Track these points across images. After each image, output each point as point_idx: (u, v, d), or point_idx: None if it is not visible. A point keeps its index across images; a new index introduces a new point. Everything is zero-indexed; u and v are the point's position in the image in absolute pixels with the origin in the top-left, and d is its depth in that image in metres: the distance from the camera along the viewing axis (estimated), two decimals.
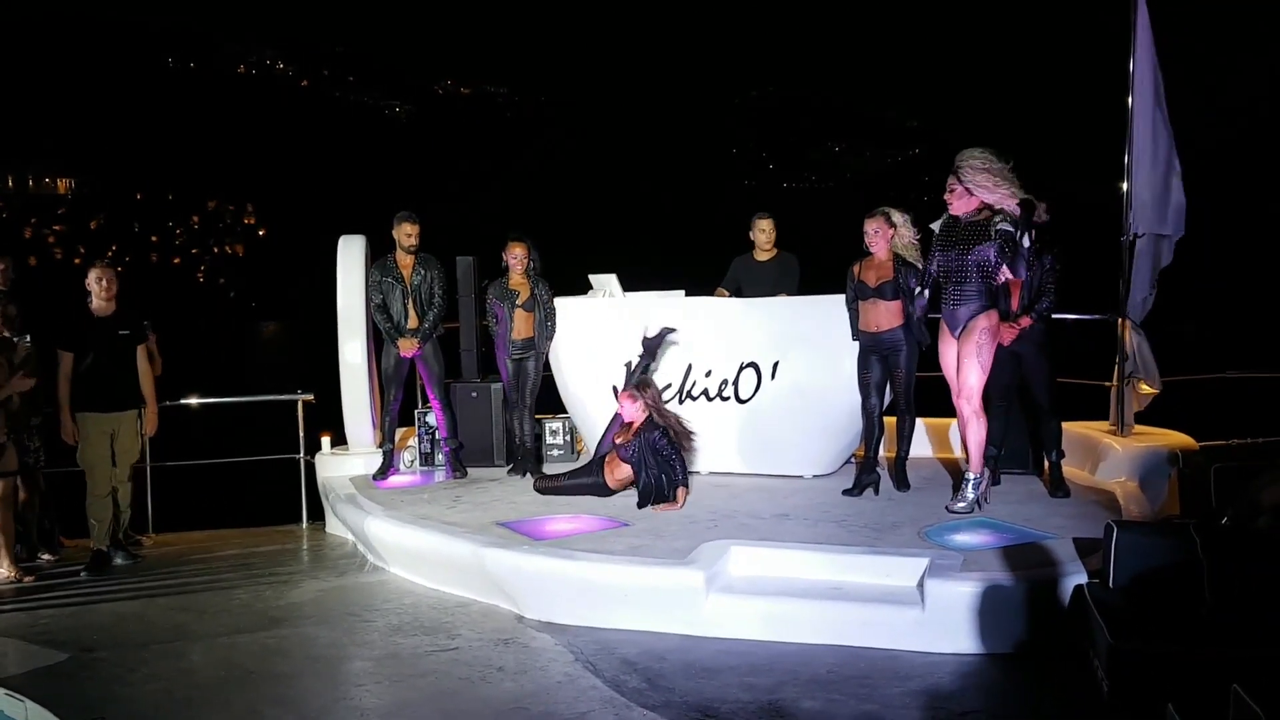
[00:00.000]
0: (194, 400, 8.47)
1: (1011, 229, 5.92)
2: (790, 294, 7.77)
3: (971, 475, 6.34)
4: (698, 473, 7.52)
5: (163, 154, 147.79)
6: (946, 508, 6.36)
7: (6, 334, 6.63)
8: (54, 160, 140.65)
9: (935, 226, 6.36)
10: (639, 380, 7.06)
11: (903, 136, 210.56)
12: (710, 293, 7.97)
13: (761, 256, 8.02)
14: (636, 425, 6.86)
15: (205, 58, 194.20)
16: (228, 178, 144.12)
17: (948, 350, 6.32)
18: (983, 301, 6.12)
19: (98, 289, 6.95)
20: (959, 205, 6.16)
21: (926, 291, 6.38)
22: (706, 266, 8.28)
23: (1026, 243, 5.91)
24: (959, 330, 6.20)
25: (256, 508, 8.85)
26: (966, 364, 6.17)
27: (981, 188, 6.01)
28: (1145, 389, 7.43)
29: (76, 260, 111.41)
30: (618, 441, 6.94)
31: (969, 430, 6.29)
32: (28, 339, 6.78)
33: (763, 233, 7.97)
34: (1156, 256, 7.48)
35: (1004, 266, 6.02)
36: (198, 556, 7.36)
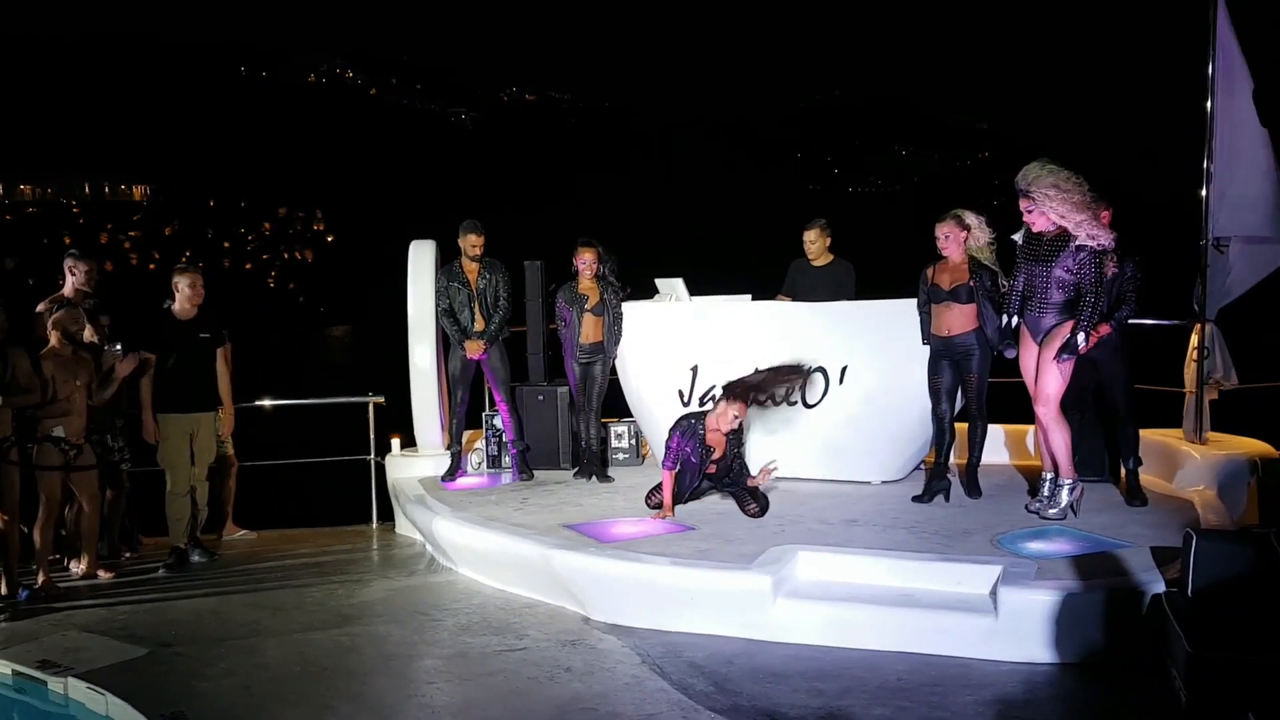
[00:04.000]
0: (268, 402, 8.63)
1: (1091, 253, 5.90)
2: (851, 300, 7.74)
3: (1066, 480, 6.24)
4: None
5: (234, 162, 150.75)
6: (1037, 513, 6.27)
7: (97, 341, 6.81)
8: (129, 168, 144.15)
9: (1017, 238, 6.28)
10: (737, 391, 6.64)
11: (971, 139, 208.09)
12: (771, 297, 7.96)
13: (816, 263, 7.99)
14: (721, 450, 6.74)
15: (276, 68, 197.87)
16: (298, 185, 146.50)
17: (1028, 355, 6.24)
18: (1067, 312, 6.05)
19: (189, 293, 7.11)
20: (1040, 223, 6.08)
21: (1015, 319, 6.29)
22: (773, 270, 8.26)
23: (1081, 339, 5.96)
24: (1041, 337, 6.13)
25: (328, 508, 9.00)
26: (1046, 370, 6.09)
27: (1056, 213, 5.92)
28: (1214, 389, 7.31)
29: (151, 266, 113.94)
30: (711, 473, 6.82)
31: (1052, 436, 6.19)
32: (118, 347, 6.95)
33: (808, 243, 7.98)
34: (1260, 258, 7.34)
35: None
36: (272, 555, 7.50)
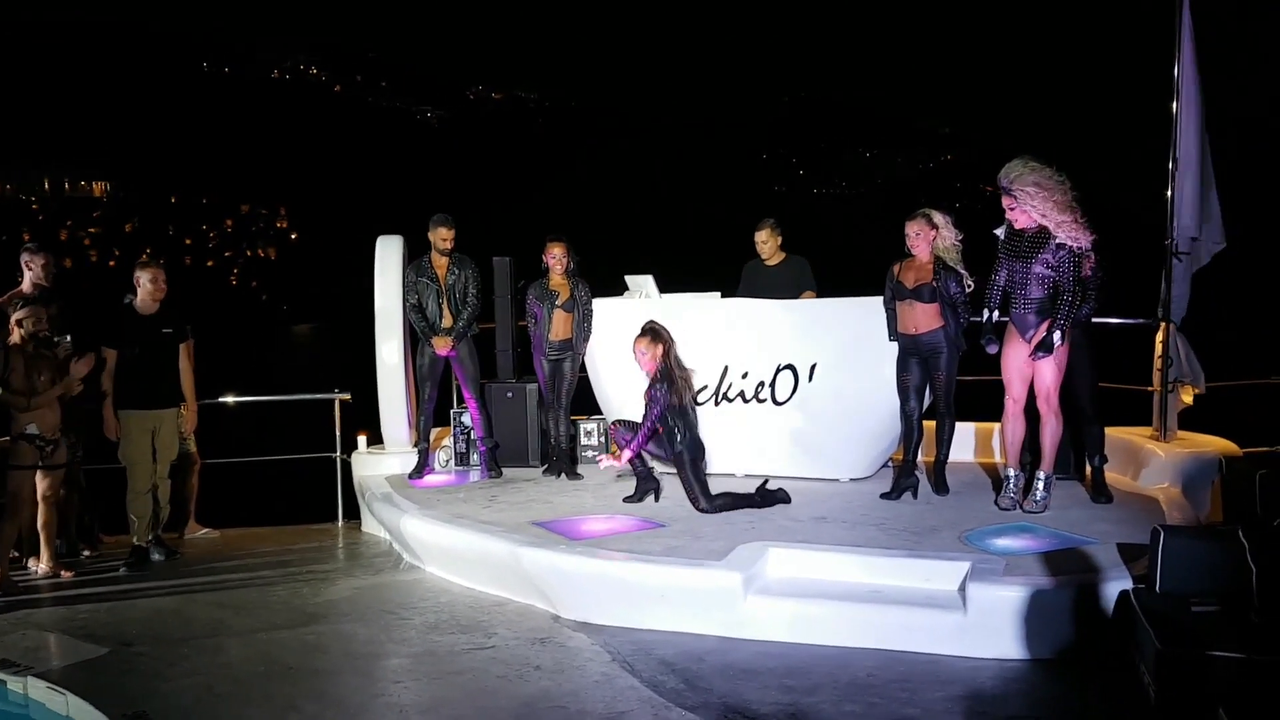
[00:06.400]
0: (231, 399, 8.53)
1: (1070, 254, 5.99)
2: (816, 292, 7.76)
3: (1042, 474, 6.32)
4: (733, 474, 7.49)
5: (197, 158, 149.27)
6: (1017, 508, 6.33)
7: (47, 333, 6.69)
8: (89, 163, 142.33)
9: (1000, 233, 6.31)
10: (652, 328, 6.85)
11: (934, 143, 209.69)
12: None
13: (770, 262, 8.01)
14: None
15: (239, 62, 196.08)
16: (261, 182, 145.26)
17: (1013, 352, 6.28)
18: (1050, 307, 6.11)
19: (151, 288, 7.00)
20: (1022, 220, 6.13)
21: (996, 313, 6.34)
22: (741, 269, 8.24)
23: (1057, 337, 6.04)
24: (1031, 333, 6.17)
25: (293, 506, 8.91)
26: (1041, 365, 6.14)
27: (1038, 212, 5.98)
28: (1189, 392, 7.38)
29: (111, 263, 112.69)
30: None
31: (1047, 429, 6.26)
32: (68, 339, 6.83)
33: (759, 243, 7.99)
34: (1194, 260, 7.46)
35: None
36: (235, 554, 7.39)
